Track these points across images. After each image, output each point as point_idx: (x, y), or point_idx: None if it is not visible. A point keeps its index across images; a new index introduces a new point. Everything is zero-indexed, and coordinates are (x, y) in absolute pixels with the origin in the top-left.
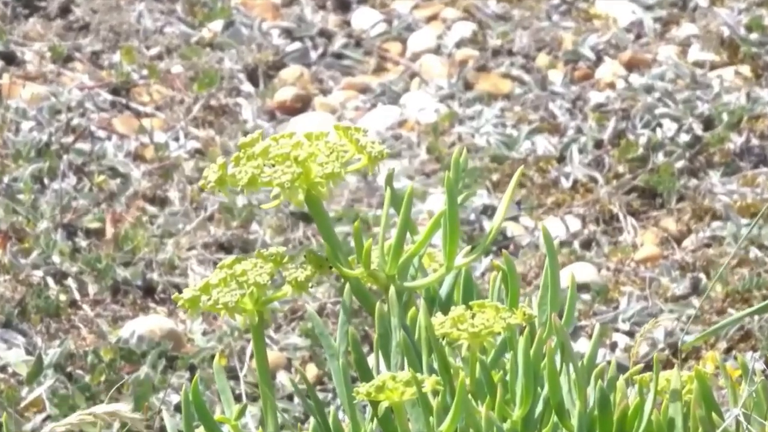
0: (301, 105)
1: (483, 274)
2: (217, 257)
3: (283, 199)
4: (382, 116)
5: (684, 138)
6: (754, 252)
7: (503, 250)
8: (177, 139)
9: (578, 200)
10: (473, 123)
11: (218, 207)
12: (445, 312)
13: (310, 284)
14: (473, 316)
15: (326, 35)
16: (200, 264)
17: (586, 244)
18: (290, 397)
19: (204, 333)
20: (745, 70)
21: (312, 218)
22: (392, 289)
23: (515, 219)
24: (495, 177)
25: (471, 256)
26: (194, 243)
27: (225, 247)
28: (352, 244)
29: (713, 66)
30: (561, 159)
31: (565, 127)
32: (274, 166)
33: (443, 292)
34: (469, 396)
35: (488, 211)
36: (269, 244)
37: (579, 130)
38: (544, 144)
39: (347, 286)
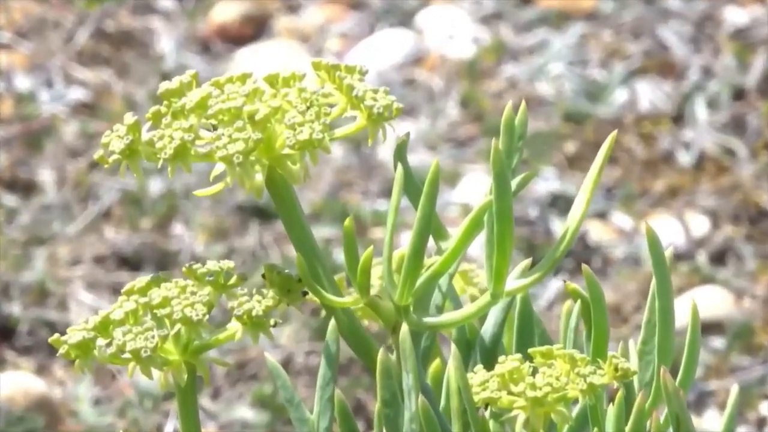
0: (253, 30)
1: (551, 305)
2: (116, 278)
3: (231, 181)
4: (386, 48)
5: None
6: None
7: (584, 266)
8: (50, 85)
9: (706, 185)
10: (533, 59)
11: (118, 197)
12: (490, 365)
13: (271, 322)
14: (534, 372)
15: None
16: (89, 289)
17: (719, 257)
18: None
19: (96, 402)
20: None
21: (273, 214)
22: (405, 329)
23: (602, 216)
24: (570, 148)
25: (531, 277)
26: (79, 255)
27: (130, 262)
28: (340, 255)
29: None
30: (678, 118)
31: (685, 65)
32: (215, 128)
33: (487, 333)
34: None
35: (558, 202)
36: (201, 256)
37: (707, 72)
38: (651, 94)
39: (332, 323)
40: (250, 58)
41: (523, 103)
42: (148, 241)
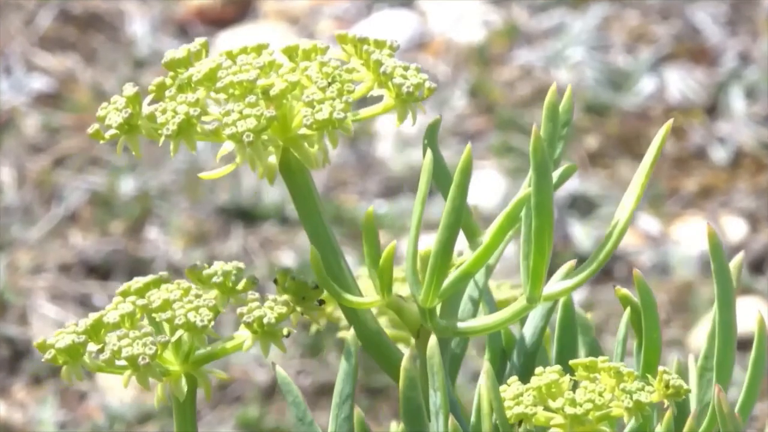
0: (236, 11)
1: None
2: (83, 289)
3: (240, 162)
4: (385, 32)
5: None
6: None
7: (635, 271)
8: (9, 73)
9: (743, 185)
10: (550, 44)
11: (86, 197)
12: (527, 378)
13: (285, 331)
14: (575, 386)
15: None
16: (53, 301)
17: (757, 265)
18: None
19: (62, 426)
20: None
21: (259, 216)
22: (433, 341)
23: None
24: (591, 143)
25: (574, 279)
26: (42, 262)
27: (98, 270)
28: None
29: None
30: (711, 110)
31: (720, 50)
32: (226, 101)
33: (525, 341)
34: None
35: (578, 204)
36: (178, 263)
37: (744, 58)
38: (681, 83)
39: (352, 331)
40: (232, 43)
41: (569, 88)
42: (119, 247)
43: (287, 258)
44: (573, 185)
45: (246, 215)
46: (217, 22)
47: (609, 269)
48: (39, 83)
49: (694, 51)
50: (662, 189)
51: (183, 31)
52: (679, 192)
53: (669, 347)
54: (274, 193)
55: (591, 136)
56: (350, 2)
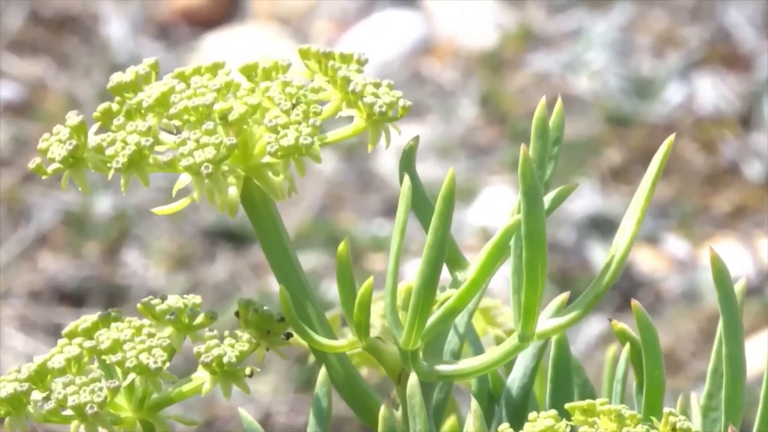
0: (224, 11)
1: (591, 350)
2: (54, 317)
3: (198, 197)
4: (387, 34)
5: None
6: None
7: (633, 302)
8: None
9: None
10: (568, 48)
11: (58, 217)
12: (518, 423)
13: (247, 371)
14: None
15: None
16: (21, 329)
17: None
18: None
19: None
20: None
21: (249, 237)
22: (413, 380)
23: (653, 241)
24: (613, 157)
25: (569, 316)
26: (9, 288)
27: (71, 297)
28: (332, 288)
29: None
30: (746, 121)
31: (754, 56)
32: (179, 130)
33: (514, 384)
34: None
35: (599, 224)
36: (159, 290)
37: None
38: (713, 91)
39: (322, 372)
40: (219, 46)
41: (559, 100)
42: (94, 272)
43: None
44: (593, 204)
45: (234, 237)
46: (203, 23)
47: (635, 295)
48: (6, 91)
49: (727, 56)
50: (692, 208)
51: (165, 33)
52: (710, 211)
53: (697, 383)
54: None
55: (613, 149)
56: (349, 1)
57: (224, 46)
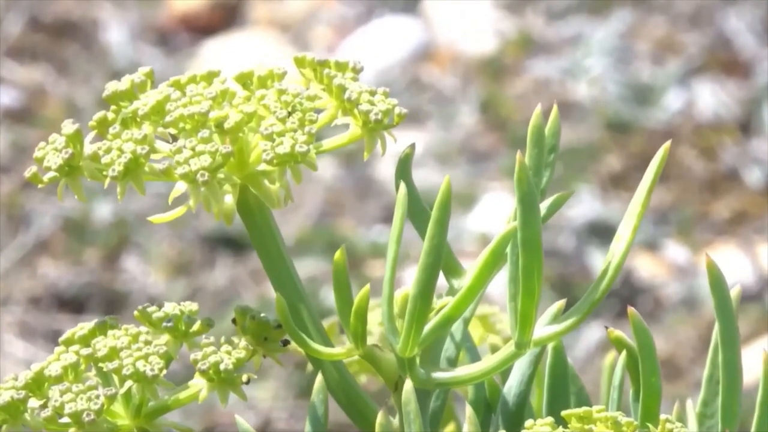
0: (223, 18)
1: (589, 357)
2: (54, 324)
3: (194, 205)
4: (386, 41)
5: None
6: None
7: (630, 309)
8: None
9: None
10: (568, 55)
11: (57, 224)
12: (514, 431)
13: (244, 378)
14: None
15: None
16: (21, 336)
17: None
18: None
19: None
20: None
21: (248, 244)
22: (409, 387)
23: (652, 247)
24: (613, 163)
25: (566, 323)
26: (8, 295)
27: (70, 303)
28: (330, 296)
29: None
30: (746, 127)
31: (755, 62)
32: (175, 138)
33: (511, 391)
34: None
35: (598, 231)
36: (158, 296)
37: None
38: (712, 97)
39: (319, 379)
40: (218, 53)
41: (555, 107)
42: (94, 278)
43: None
44: (592, 210)
45: (233, 243)
46: (202, 29)
47: (634, 302)
48: (6, 97)
49: (727, 62)
50: (691, 214)
51: (164, 39)
52: (709, 217)
53: (697, 390)
54: None
55: (613, 155)
56: (347, 8)
57: (224, 53)
